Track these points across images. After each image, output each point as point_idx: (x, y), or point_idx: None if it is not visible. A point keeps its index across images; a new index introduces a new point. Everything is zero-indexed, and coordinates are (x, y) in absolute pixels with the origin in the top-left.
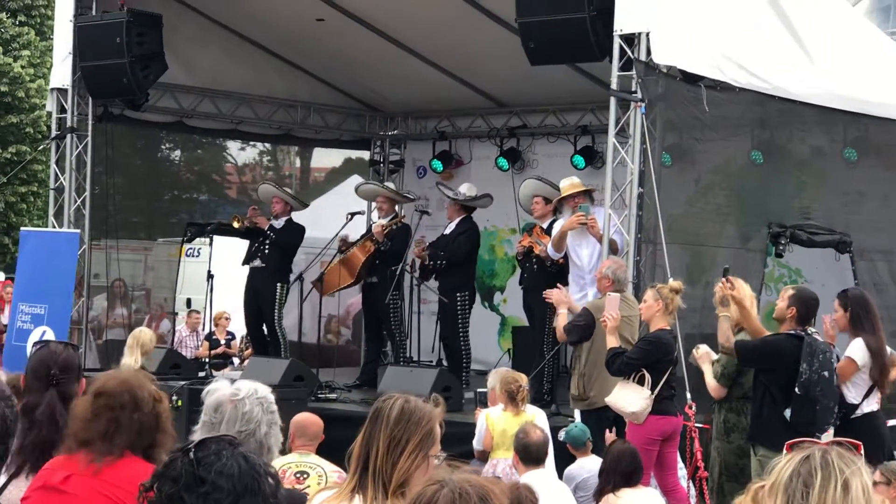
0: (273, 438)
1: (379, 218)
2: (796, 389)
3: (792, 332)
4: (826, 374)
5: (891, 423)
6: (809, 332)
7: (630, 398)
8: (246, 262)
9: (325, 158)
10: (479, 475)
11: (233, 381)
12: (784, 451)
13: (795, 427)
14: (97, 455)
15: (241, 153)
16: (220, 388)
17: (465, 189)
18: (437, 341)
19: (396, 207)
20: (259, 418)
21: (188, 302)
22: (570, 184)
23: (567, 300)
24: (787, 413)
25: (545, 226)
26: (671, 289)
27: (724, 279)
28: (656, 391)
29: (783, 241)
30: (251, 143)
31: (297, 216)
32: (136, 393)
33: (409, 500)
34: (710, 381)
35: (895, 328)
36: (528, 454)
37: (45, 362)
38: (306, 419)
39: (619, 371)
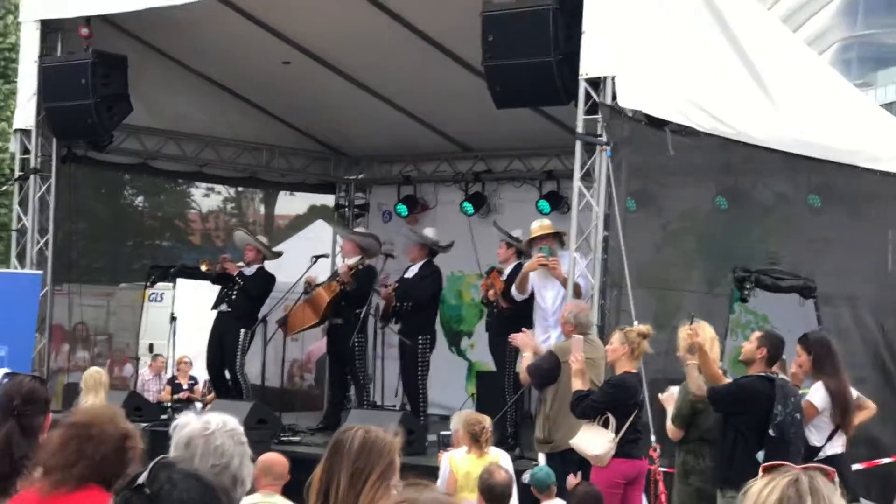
0: (246, 470)
1: (344, 260)
2: (770, 431)
3: (762, 374)
4: (798, 415)
5: (855, 467)
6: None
7: (594, 441)
8: (214, 306)
9: (290, 205)
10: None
11: (199, 413)
12: (760, 474)
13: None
14: (52, 484)
15: (204, 200)
16: (188, 423)
17: (430, 233)
18: (399, 384)
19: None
20: (232, 451)
21: (150, 347)
22: (539, 225)
23: (531, 343)
24: (760, 455)
25: (509, 269)
26: (639, 333)
27: (690, 326)
28: (620, 434)
29: (748, 286)
30: (215, 189)
31: (269, 266)
32: (105, 427)
33: None
34: (668, 423)
35: (859, 374)
36: (493, 495)
37: (9, 393)
38: (272, 459)
39: (583, 413)
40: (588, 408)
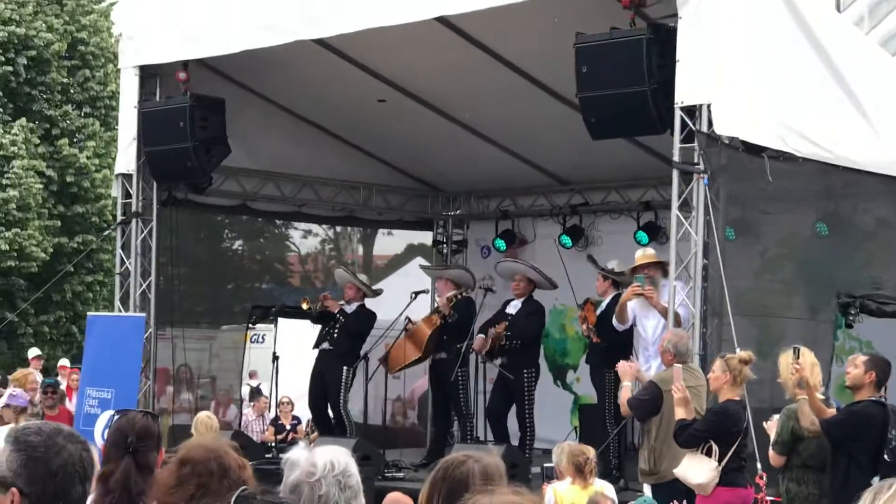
0: None
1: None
2: (885, 456)
3: (873, 398)
4: None
5: None
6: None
7: (697, 469)
8: (316, 345)
9: (387, 245)
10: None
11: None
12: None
13: None
14: None
15: (303, 242)
16: (298, 462)
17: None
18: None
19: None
20: (336, 499)
21: (251, 392)
22: (641, 254)
23: (630, 372)
24: (875, 481)
25: (606, 301)
26: (740, 359)
27: (795, 360)
28: (724, 462)
29: (853, 312)
30: (313, 231)
31: (369, 303)
32: (223, 460)
33: None
34: (770, 450)
35: None
36: None
37: (124, 430)
38: (396, 498)
39: (686, 443)
40: (691, 437)
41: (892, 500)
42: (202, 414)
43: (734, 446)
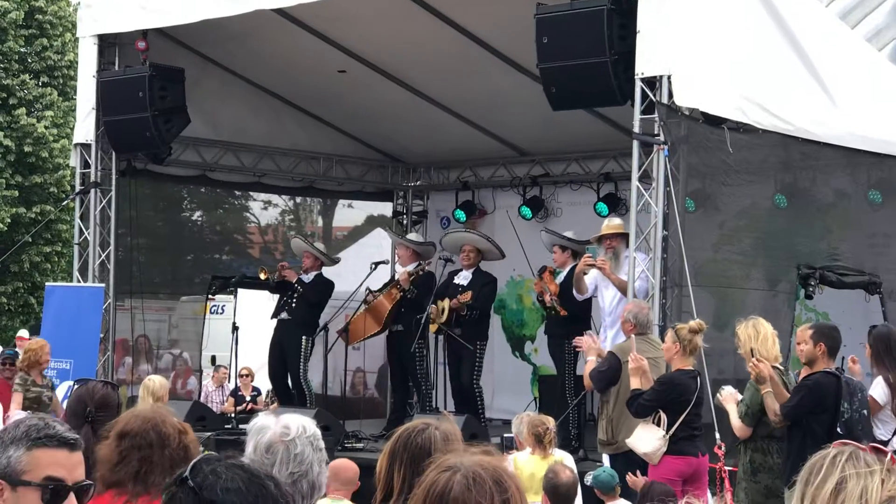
0: (323, 477)
1: (402, 267)
2: (838, 429)
3: (825, 370)
4: (865, 412)
5: None
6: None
7: (645, 439)
8: (274, 315)
9: (347, 216)
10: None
11: (278, 415)
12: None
13: None
14: (131, 495)
15: (263, 213)
16: (268, 426)
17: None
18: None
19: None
20: (311, 458)
21: (213, 359)
22: (608, 224)
23: (595, 347)
24: None
25: (564, 273)
26: (690, 329)
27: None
28: (671, 431)
29: (812, 283)
30: (273, 202)
31: (326, 272)
32: (161, 429)
33: (421, 490)
34: (735, 422)
35: None
36: (558, 494)
37: (83, 399)
38: (341, 464)
39: (636, 412)
40: (640, 406)
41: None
42: (146, 378)
43: (683, 415)
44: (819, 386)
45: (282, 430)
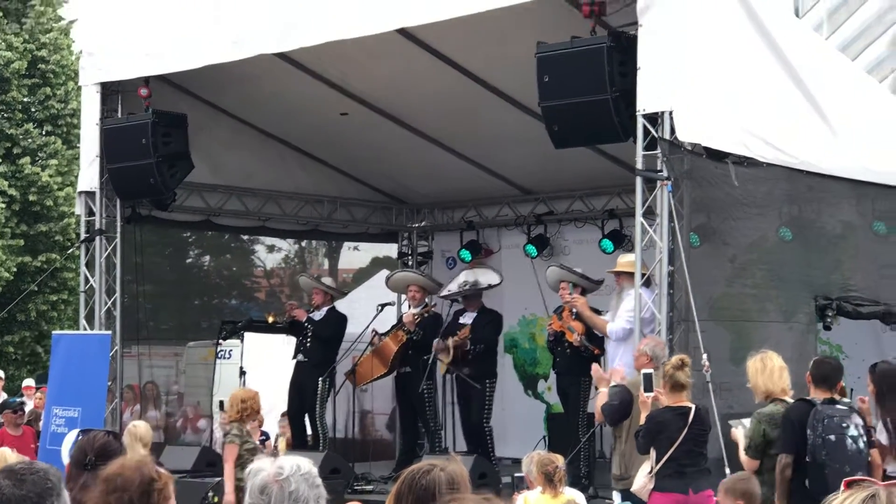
0: None
1: (409, 308)
2: (807, 458)
3: (803, 398)
4: (832, 437)
5: None
6: (841, 399)
7: (639, 475)
8: (294, 356)
9: (353, 258)
10: None
11: (274, 457)
12: (841, 489)
13: (814, 496)
14: None
15: (269, 256)
16: (262, 468)
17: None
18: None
19: (427, 298)
20: (306, 496)
21: (221, 404)
22: (625, 261)
23: (606, 378)
24: (808, 482)
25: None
26: (672, 366)
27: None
28: (657, 468)
29: (830, 314)
30: (278, 245)
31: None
32: (129, 474)
33: None
34: (742, 455)
35: None
36: None
37: (84, 449)
38: None
39: (638, 449)
40: (638, 443)
41: None
42: (130, 425)
43: (669, 452)
44: (787, 416)
45: (276, 470)
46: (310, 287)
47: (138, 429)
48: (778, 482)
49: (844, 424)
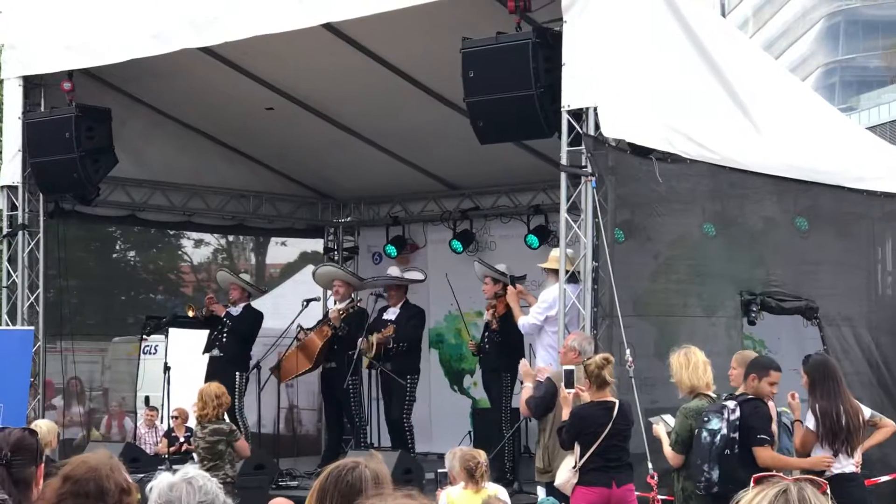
0: None
1: (335, 303)
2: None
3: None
4: (734, 435)
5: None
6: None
7: (562, 470)
8: (206, 350)
9: (280, 253)
10: None
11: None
12: (751, 485)
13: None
14: None
15: (195, 251)
16: (165, 477)
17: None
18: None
19: (353, 293)
20: (215, 491)
21: (146, 399)
22: (555, 257)
23: (532, 373)
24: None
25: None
26: (595, 364)
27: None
28: (581, 463)
29: (754, 309)
30: (205, 240)
31: (256, 303)
32: (103, 483)
33: None
34: (667, 450)
35: (867, 393)
36: None
37: None
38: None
39: (561, 444)
40: (562, 438)
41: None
42: (33, 423)
43: (594, 447)
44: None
45: (181, 475)
46: (227, 282)
47: (41, 428)
48: None
49: (706, 418)
